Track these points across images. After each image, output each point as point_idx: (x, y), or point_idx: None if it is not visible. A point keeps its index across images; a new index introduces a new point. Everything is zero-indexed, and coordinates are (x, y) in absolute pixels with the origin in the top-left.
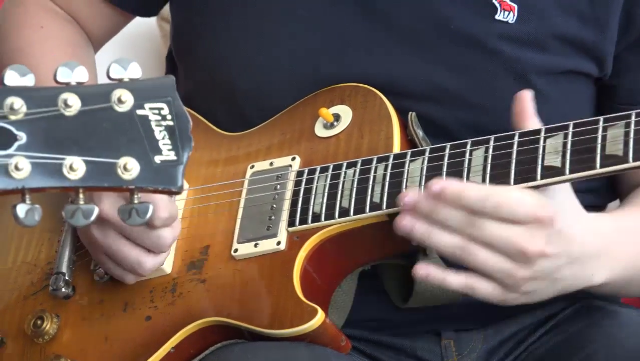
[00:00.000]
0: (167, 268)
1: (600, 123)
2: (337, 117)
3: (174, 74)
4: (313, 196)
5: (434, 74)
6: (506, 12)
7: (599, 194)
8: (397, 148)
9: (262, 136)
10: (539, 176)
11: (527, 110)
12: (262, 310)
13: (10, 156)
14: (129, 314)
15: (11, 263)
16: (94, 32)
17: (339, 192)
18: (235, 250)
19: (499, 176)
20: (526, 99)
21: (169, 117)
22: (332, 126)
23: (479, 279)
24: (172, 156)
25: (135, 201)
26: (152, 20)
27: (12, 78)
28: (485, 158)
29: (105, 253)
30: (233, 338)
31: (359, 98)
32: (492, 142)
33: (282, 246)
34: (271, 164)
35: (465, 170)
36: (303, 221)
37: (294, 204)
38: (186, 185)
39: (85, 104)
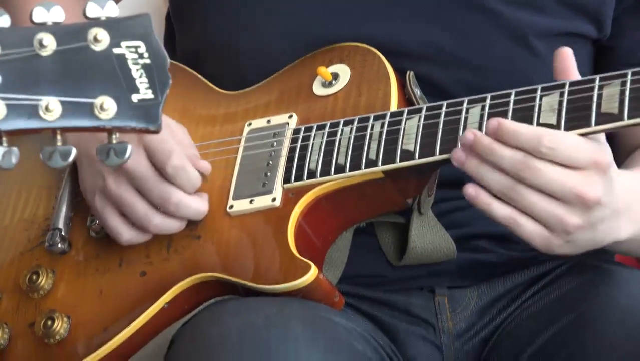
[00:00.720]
0: None
1: (597, 82)
2: (335, 75)
3: (172, 34)
4: (309, 153)
5: (433, 34)
6: None
7: None
8: (394, 106)
9: (260, 94)
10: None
11: (570, 67)
12: (256, 266)
13: None
14: (123, 269)
15: (8, 220)
16: None
17: (335, 149)
18: (231, 206)
19: None
20: (568, 56)
21: (145, 55)
22: (330, 84)
23: (526, 217)
24: (149, 94)
25: (114, 141)
26: None
27: None
28: (482, 116)
29: (115, 203)
30: (227, 294)
31: (357, 57)
32: (488, 101)
33: (277, 203)
34: (269, 121)
35: (462, 127)
36: (299, 177)
37: (290, 161)
38: None
39: (60, 43)
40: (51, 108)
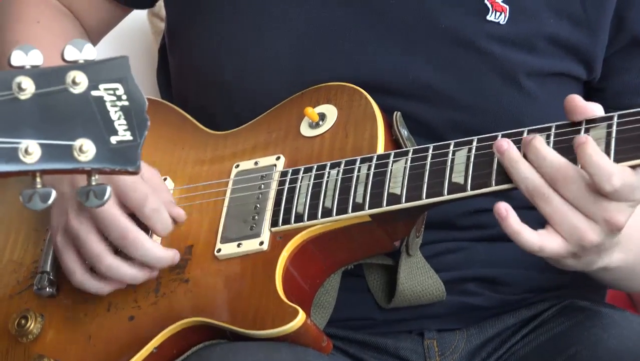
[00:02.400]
0: None
1: (583, 125)
2: (322, 116)
3: (166, 69)
4: (296, 196)
5: (422, 73)
6: (498, 13)
7: None
8: (381, 148)
9: (248, 135)
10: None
11: (581, 108)
12: (244, 310)
13: None
14: (112, 314)
15: None
16: (91, 26)
17: (322, 192)
18: (219, 250)
19: (480, 177)
20: (580, 106)
21: (124, 97)
22: (317, 125)
23: (550, 237)
24: (128, 136)
25: (93, 183)
26: (144, 16)
27: None
28: (468, 158)
29: (73, 241)
30: (216, 338)
31: (344, 97)
32: (475, 143)
33: (265, 246)
34: (256, 163)
35: (448, 170)
36: (286, 221)
37: (277, 204)
38: (172, 185)
39: (39, 86)
40: (30, 151)
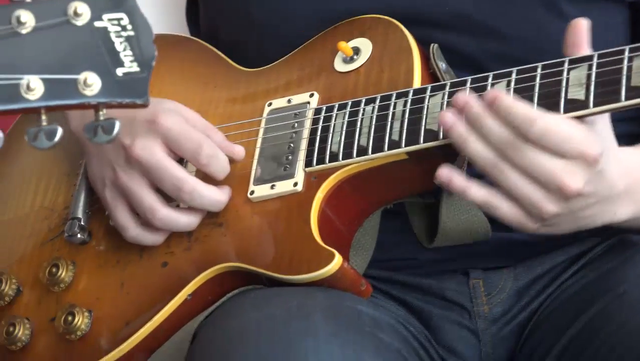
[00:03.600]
0: None
1: (626, 53)
2: (356, 50)
3: (195, 8)
4: (331, 135)
5: (459, 2)
6: None
7: (635, 122)
8: (417, 82)
9: (281, 71)
10: (562, 110)
11: (582, 42)
12: (279, 255)
13: None
14: (144, 260)
15: (29, 208)
16: None
17: (357, 130)
18: (252, 192)
19: None
20: (582, 28)
21: (129, 27)
22: (351, 60)
23: (501, 199)
24: (135, 67)
25: (101, 118)
26: None
27: None
28: (507, 92)
29: (125, 195)
30: (251, 284)
31: (379, 30)
32: (514, 75)
33: (299, 187)
34: (289, 101)
35: None
36: (320, 160)
37: (311, 143)
38: None
39: (39, 20)
40: (33, 87)
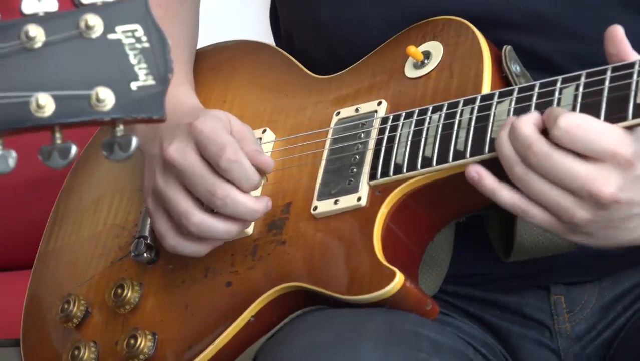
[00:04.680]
0: (249, 228)
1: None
2: (427, 54)
3: (277, 12)
4: (396, 145)
5: (535, 2)
6: None
7: None
8: (486, 88)
9: (353, 78)
10: (630, 115)
11: (623, 49)
12: (341, 274)
13: None
14: (209, 280)
15: (102, 225)
16: None
17: (423, 140)
18: (315, 207)
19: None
20: (619, 37)
21: (144, 38)
22: (422, 64)
23: (531, 204)
24: (150, 80)
25: (118, 134)
26: None
27: None
28: (575, 97)
29: (162, 201)
30: (316, 304)
31: (451, 32)
32: (583, 79)
33: (363, 202)
34: (357, 110)
35: None
36: (384, 173)
37: (376, 154)
38: (272, 136)
39: (49, 34)
40: (42, 104)
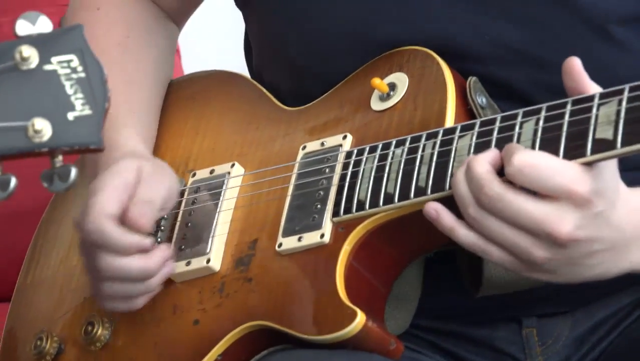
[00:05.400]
0: (216, 265)
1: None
2: (392, 86)
3: (249, 45)
4: (359, 181)
5: (501, 30)
6: None
7: None
8: (450, 121)
9: (321, 110)
10: (588, 151)
11: (583, 82)
12: (304, 313)
13: None
14: (177, 317)
15: (77, 259)
16: (173, 7)
17: (385, 175)
18: (280, 245)
19: (548, 152)
20: (576, 69)
21: (79, 69)
22: (388, 96)
23: (489, 244)
24: (86, 110)
25: (57, 165)
26: None
27: None
28: (535, 132)
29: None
30: (282, 343)
31: (417, 63)
32: (543, 113)
33: (326, 239)
34: (322, 144)
35: None
36: (347, 210)
37: (340, 190)
38: (241, 170)
39: None
40: None
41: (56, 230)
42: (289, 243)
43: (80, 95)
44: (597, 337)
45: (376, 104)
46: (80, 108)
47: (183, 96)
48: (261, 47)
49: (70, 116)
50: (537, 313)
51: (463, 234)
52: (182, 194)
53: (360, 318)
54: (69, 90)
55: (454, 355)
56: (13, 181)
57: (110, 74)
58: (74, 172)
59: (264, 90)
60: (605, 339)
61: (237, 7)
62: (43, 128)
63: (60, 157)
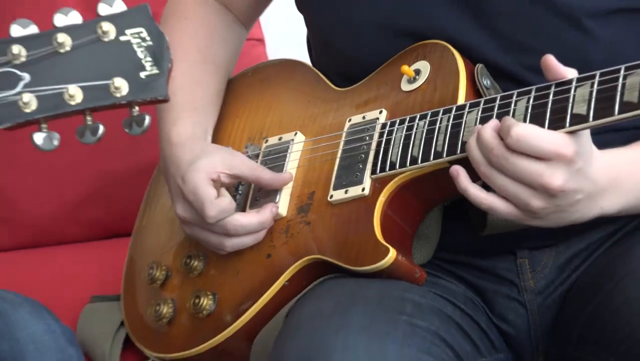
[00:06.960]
0: (283, 211)
1: (622, 72)
2: (418, 72)
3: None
4: (391, 147)
5: (495, 25)
6: None
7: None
8: (461, 100)
9: (363, 91)
10: (567, 123)
11: (561, 73)
12: (349, 249)
13: (18, 94)
14: (254, 252)
15: None
16: (242, 12)
17: (411, 142)
18: (331, 196)
19: (536, 124)
20: (553, 64)
21: (148, 38)
22: (414, 80)
23: (496, 199)
24: (155, 70)
25: (134, 114)
26: None
27: (16, 30)
28: (527, 108)
29: (197, 239)
30: (335, 272)
31: (437, 54)
32: (533, 93)
33: (366, 192)
34: (364, 117)
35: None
36: (382, 169)
37: (377, 153)
38: (303, 137)
39: (75, 39)
40: (73, 93)
41: (164, 184)
42: (338, 194)
43: (149, 58)
44: (575, 265)
45: (405, 86)
46: (149, 69)
47: (258, 79)
48: (315, 43)
49: (142, 75)
50: (528, 246)
51: (474, 192)
52: (257, 156)
53: (392, 253)
54: (140, 55)
55: (465, 280)
56: (101, 129)
57: (188, 75)
58: (147, 119)
59: (320, 74)
60: (581, 267)
61: (299, 10)
62: (121, 85)
63: (136, 108)
